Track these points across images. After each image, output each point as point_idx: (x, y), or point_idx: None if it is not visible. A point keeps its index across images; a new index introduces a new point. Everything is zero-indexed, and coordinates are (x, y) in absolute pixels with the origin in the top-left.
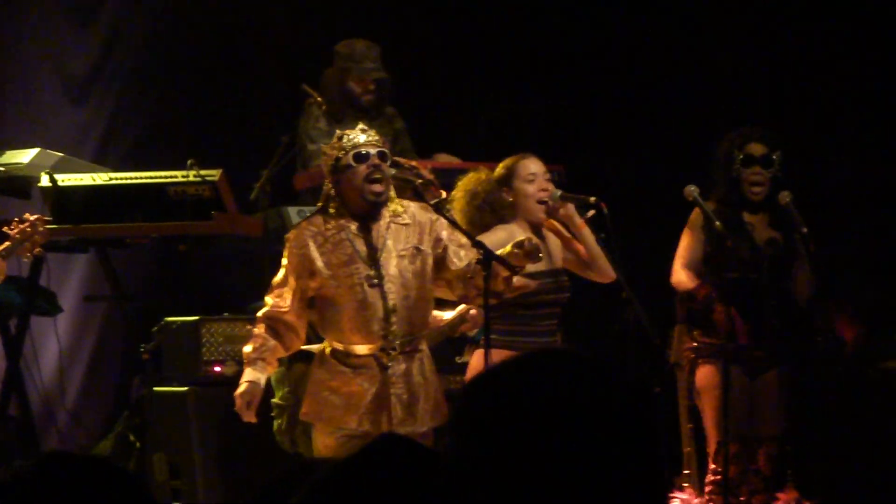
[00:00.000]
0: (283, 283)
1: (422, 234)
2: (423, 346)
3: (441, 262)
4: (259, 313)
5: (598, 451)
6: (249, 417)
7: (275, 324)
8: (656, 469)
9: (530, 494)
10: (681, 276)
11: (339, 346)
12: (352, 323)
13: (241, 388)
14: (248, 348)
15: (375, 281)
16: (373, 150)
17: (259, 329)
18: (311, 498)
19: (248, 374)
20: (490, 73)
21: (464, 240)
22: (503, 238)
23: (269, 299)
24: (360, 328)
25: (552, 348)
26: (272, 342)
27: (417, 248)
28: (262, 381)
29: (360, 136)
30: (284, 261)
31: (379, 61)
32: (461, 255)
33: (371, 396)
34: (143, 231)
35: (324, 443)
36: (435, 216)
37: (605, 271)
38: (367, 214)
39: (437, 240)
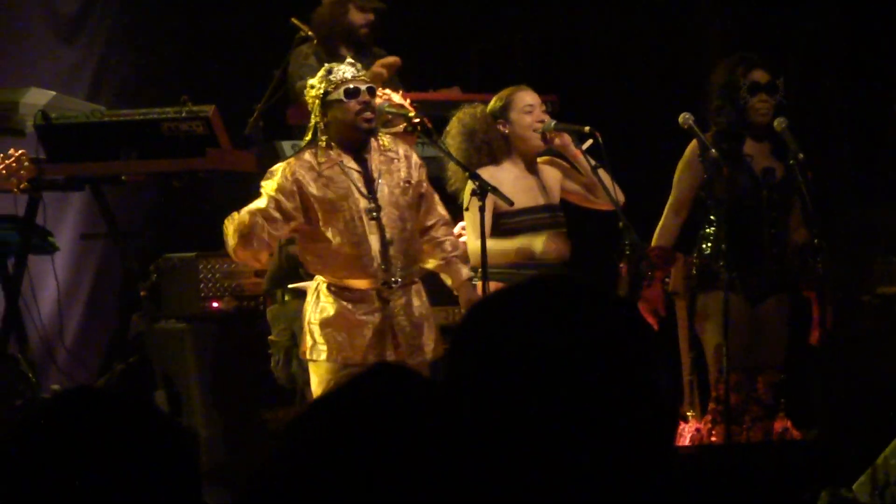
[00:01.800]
0: (272, 195)
1: (409, 168)
2: (417, 278)
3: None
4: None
5: (599, 376)
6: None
7: (265, 219)
8: (660, 396)
9: (528, 424)
10: (663, 220)
11: (335, 281)
12: (349, 258)
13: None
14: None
15: (374, 214)
16: (362, 86)
17: (241, 215)
18: (299, 430)
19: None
20: (480, 4)
21: (437, 202)
22: (491, 175)
23: (254, 203)
24: (358, 262)
25: (548, 275)
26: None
27: (408, 182)
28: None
29: (348, 70)
30: (275, 180)
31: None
32: (436, 212)
33: (373, 330)
34: (137, 168)
35: (324, 378)
36: (420, 161)
37: (612, 196)
38: (360, 146)
39: (420, 184)
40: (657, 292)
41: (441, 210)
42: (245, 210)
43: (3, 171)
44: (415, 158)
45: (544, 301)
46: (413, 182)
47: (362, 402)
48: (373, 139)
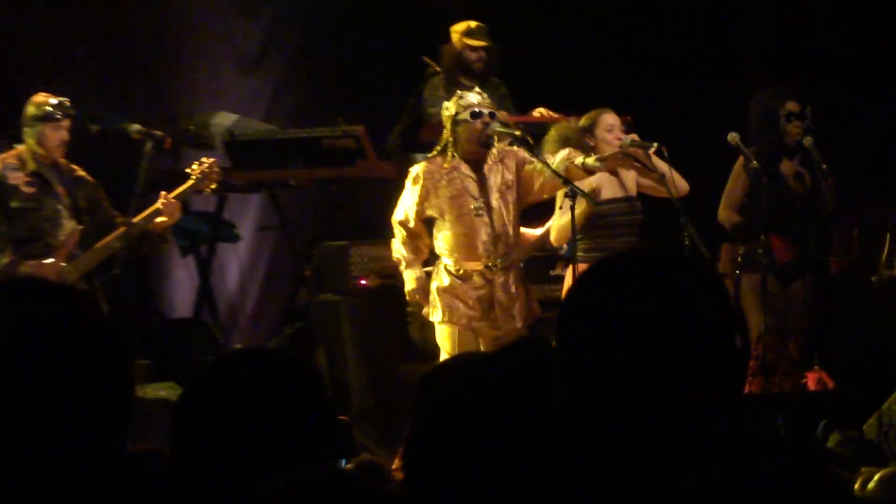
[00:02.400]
0: (404, 202)
1: (511, 166)
2: (518, 261)
3: (528, 177)
4: (393, 222)
5: (690, 327)
6: (425, 300)
7: (406, 231)
8: (734, 344)
9: (636, 376)
10: (723, 213)
11: (451, 262)
12: (462, 245)
13: (413, 285)
14: (400, 254)
15: (481, 211)
16: (485, 110)
17: (399, 236)
18: (461, 388)
19: (412, 274)
20: (567, 43)
21: (538, 164)
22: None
23: (395, 213)
24: (468, 248)
25: (642, 246)
26: (411, 250)
27: (508, 185)
28: (423, 274)
29: (474, 97)
30: (408, 187)
31: (487, 36)
32: (536, 175)
33: (477, 300)
34: (302, 175)
35: (443, 335)
36: (520, 149)
37: (678, 185)
38: (478, 158)
39: (522, 162)
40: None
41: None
42: (394, 221)
43: (199, 175)
44: (515, 155)
45: (644, 268)
46: (512, 182)
47: (510, 371)
48: (488, 150)
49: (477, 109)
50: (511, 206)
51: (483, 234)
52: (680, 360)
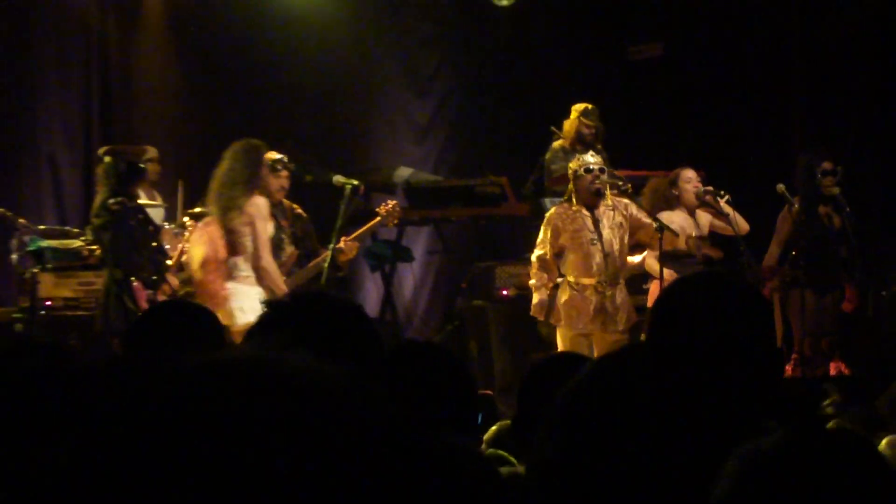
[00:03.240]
0: (544, 240)
1: (622, 215)
2: (622, 280)
3: (636, 223)
4: (532, 258)
5: (745, 332)
6: (541, 315)
7: (543, 263)
8: (776, 349)
9: (706, 366)
10: (772, 247)
11: (572, 279)
12: (580, 266)
13: (537, 302)
14: (533, 281)
15: (595, 241)
16: (596, 167)
17: (534, 268)
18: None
19: (538, 296)
20: (654, 113)
21: (645, 216)
22: (667, 217)
23: (536, 251)
24: (586, 268)
25: (712, 270)
26: (545, 275)
27: (620, 224)
28: (546, 298)
29: (591, 158)
30: (543, 228)
31: (598, 117)
32: (643, 223)
33: (592, 310)
34: (460, 213)
35: (561, 337)
36: (629, 203)
37: (741, 226)
38: (593, 203)
39: (631, 214)
40: (766, 291)
41: (647, 221)
42: (533, 257)
43: (386, 213)
44: (625, 208)
45: (709, 287)
46: (623, 224)
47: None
48: (601, 197)
49: (590, 167)
50: (619, 240)
51: (597, 258)
52: (736, 355)
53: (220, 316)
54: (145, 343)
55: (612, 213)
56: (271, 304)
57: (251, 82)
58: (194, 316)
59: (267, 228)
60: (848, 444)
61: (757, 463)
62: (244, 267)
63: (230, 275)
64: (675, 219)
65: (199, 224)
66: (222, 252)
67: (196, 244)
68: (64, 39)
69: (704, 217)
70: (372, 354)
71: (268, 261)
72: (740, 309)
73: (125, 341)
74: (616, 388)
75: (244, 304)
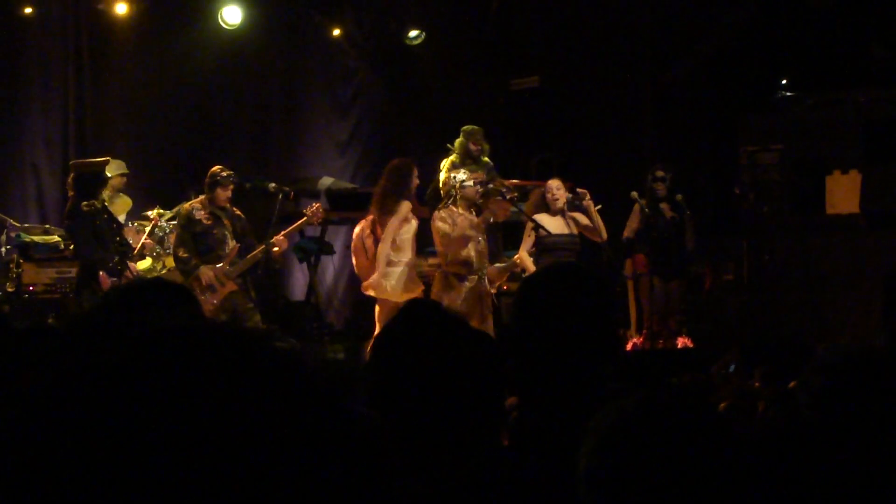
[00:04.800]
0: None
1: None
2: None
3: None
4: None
5: (591, 309)
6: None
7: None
8: (614, 323)
9: (551, 344)
10: (625, 236)
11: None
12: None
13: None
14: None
15: (480, 240)
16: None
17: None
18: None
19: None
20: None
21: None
22: (542, 219)
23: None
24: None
25: (564, 262)
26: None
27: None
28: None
29: (462, 175)
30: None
31: (483, 138)
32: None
33: (469, 299)
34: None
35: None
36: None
37: (601, 234)
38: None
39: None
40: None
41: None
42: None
43: (311, 214)
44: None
45: (562, 274)
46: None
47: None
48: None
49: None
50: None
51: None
52: (582, 329)
53: (377, 291)
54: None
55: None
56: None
57: (200, 106)
58: (158, 291)
59: (398, 227)
60: (686, 401)
61: (619, 419)
62: (394, 255)
63: (388, 262)
64: (544, 220)
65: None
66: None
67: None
68: (46, 68)
69: (577, 219)
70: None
71: (381, 250)
72: (584, 294)
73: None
74: None
75: (393, 282)
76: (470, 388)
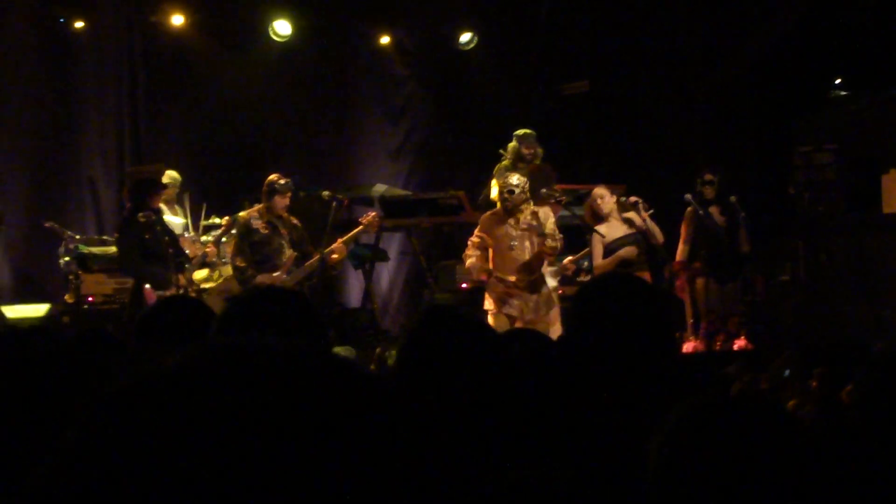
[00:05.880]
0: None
1: (542, 223)
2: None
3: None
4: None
5: (650, 316)
6: (482, 275)
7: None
8: (671, 327)
9: (608, 349)
10: (680, 248)
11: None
12: (500, 265)
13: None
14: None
15: (512, 244)
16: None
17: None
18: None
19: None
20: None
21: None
22: (603, 228)
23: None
24: (506, 268)
25: (623, 272)
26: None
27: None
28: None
29: (515, 178)
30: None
31: (535, 141)
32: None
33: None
34: (426, 221)
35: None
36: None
37: (658, 237)
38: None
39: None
40: (680, 282)
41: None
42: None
43: (367, 222)
44: (546, 216)
45: (618, 281)
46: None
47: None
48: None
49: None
50: (534, 245)
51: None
52: (639, 334)
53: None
54: (148, 333)
55: (533, 219)
56: (233, 300)
57: (253, 117)
58: (189, 309)
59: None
60: (754, 402)
61: (692, 417)
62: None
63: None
64: (602, 229)
65: None
66: None
67: None
68: (101, 81)
69: (632, 219)
70: (315, 333)
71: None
72: (641, 303)
73: (134, 333)
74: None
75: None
76: (492, 390)
